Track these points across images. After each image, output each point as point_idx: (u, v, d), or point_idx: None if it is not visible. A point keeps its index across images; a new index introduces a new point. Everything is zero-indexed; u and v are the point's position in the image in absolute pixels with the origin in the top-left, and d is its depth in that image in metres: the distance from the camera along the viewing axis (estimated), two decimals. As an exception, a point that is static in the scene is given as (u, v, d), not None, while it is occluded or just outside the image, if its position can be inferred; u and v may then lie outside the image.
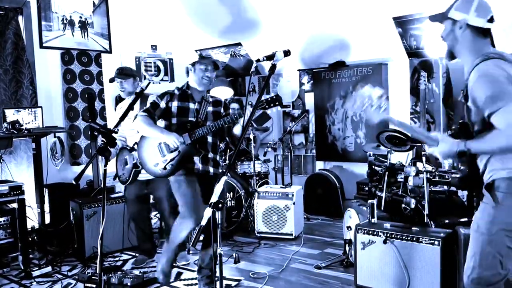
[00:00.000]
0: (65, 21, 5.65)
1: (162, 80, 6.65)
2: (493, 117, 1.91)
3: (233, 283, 3.72)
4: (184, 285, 3.75)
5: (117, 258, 4.43)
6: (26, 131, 4.24)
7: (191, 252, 4.46)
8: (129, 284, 3.56)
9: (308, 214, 5.70)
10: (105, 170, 2.76)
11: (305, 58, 6.37)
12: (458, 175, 3.65)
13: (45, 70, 5.48)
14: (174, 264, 3.78)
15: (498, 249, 2.01)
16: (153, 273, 4.00)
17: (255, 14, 6.07)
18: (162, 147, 3.39)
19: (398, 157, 4.97)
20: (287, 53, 2.53)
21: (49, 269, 4.11)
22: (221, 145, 5.07)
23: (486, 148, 1.99)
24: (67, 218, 4.65)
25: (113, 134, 2.86)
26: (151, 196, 4.36)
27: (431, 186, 3.91)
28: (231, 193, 5.06)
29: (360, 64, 5.87)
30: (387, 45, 5.52)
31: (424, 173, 3.72)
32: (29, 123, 4.46)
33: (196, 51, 7.08)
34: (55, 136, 4.87)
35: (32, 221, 4.63)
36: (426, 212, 3.65)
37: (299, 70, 6.60)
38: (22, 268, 4.05)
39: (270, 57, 2.50)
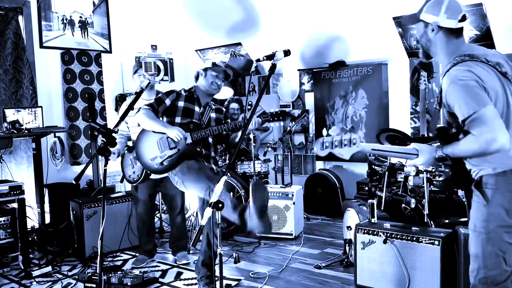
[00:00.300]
0: (65, 21, 5.65)
1: (162, 80, 6.66)
2: (467, 123, 1.95)
3: (233, 283, 3.72)
4: (184, 285, 3.76)
5: (117, 258, 4.44)
6: (26, 131, 4.24)
7: (191, 252, 4.46)
8: (129, 284, 3.56)
9: (308, 214, 5.71)
10: (105, 170, 2.76)
11: (305, 57, 6.37)
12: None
13: (45, 70, 5.48)
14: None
15: (499, 246, 2.02)
16: (153, 273, 4.01)
17: (255, 14, 6.07)
18: (162, 142, 3.40)
19: (398, 157, 4.97)
20: (287, 53, 2.54)
21: (49, 269, 4.11)
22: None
23: (461, 153, 2.03)
24: (67, 218, 4.65)
25: (113, 134, 2.86)
26: (159, 195, 4.38)
27: (431, 186, 3.90)
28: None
29: (360, 64, 5.87)
30: (387, 45, 5.51)
31: (424, 173, 3.72)
32: (29, 123, 4.46)
33: (196, 51, 7.08)
34: (55, 136, 4.87)
35: (32, 221, 4.63)
36: (426, 212, 3.65)
37: (299, 70, 6.59)
38: (22, 268, 4.06)
39: (270, 57, 2.51)
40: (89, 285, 3.50)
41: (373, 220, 3.52)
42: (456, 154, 2.05)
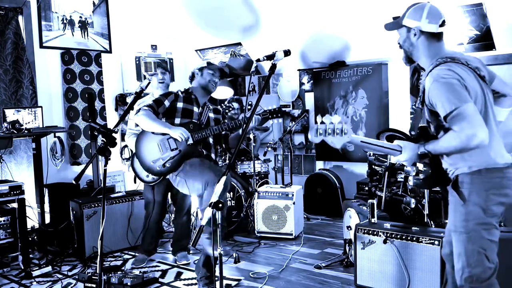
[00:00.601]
0: (65, 21, 5.65)
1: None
2: (448, 119, 2.02)
3: (233, 283, 3.72)
4: (184, 285, 3.76)
5: (116, 258, 4.44)
6: (26, 131, 4.24)
7: (191, 252, 4.46)
8: (129, 284, 3.56)
9: (308, 214, 5.71)
10: (105, 170, 2.76)
11: (306, 57, 6.36)
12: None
13: (45, 70, 5.48)
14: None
15: (480, 244, 2.08)
16: (153, 273, 4.01)
17: (256, 14, 6.07)
18: (163, 144, 3.39)
19: (398, 157, 4.97)
20: (287, 53, 2.55)
21: (49, 269, 4.11)
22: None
23: (442, 149, 2.10)
24: (67, 218, 4.65)
25: (113, 134, 2.86)
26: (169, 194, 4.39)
27: (431, 186, 3.90)
28: (231, 193, 5.06)
29: (360, 64, 5.87)
30: (387, 45, 5.51)
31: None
32: (29, 123, 4.46)
33: (196, 51, 7.08)
34: (55, 136, 4.87)
35: (32, 221, 4.63)
36: (426, 212, 3.65)
37: (299, 70, 6.59)
38: (22, 268, 4.06)
39: (270, 57, 2.52)
40: (89, 285, 3.50)
41: (373, 220, 3.52)
42: (437, 150, 2.13)
